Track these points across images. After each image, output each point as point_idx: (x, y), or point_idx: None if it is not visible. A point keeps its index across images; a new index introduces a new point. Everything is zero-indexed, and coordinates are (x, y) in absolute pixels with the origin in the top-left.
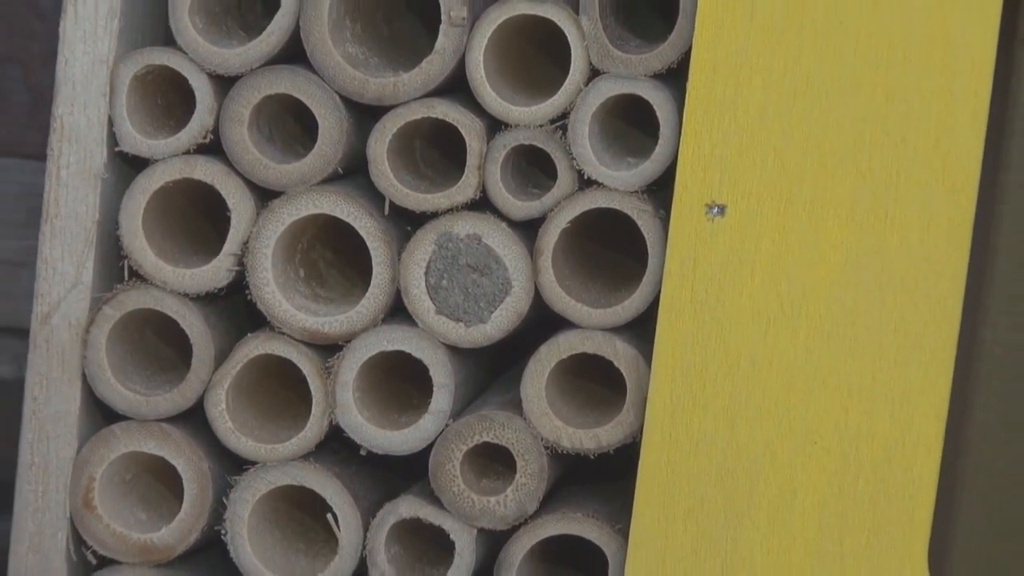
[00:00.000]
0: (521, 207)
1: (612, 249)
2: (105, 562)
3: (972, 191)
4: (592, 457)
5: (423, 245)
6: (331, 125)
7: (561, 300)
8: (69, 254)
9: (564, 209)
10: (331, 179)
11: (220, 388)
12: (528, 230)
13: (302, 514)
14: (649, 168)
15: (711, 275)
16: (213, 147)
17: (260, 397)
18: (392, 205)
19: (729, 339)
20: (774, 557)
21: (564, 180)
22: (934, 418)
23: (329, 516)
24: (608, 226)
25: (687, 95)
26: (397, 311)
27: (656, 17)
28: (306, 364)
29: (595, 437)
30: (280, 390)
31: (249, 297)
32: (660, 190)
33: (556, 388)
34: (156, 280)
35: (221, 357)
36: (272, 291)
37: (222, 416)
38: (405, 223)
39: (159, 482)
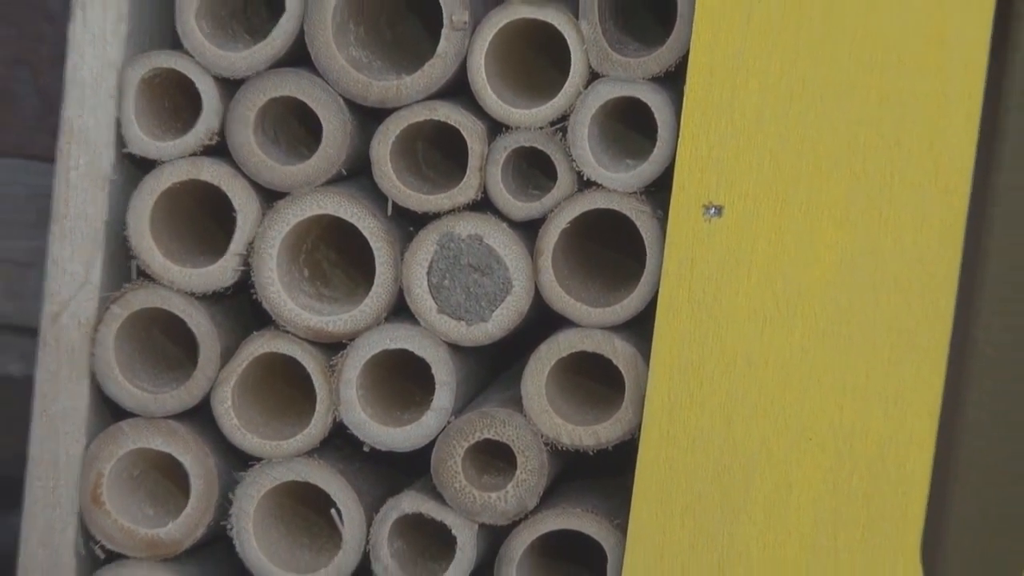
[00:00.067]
0: (522, 208)
1: (611, 249)
2: (113, 556)
3: (964, 193)
4: (591, 453)
5: (425, 245)
6: (335, 127)
7: (561, 299)
8: (78, 254)
9: (564, 210)
10: (335, 180)
11: (226, 386)
12: (528, 230)
13: (306, 509)
14: (647, 170)
15: (708, 275)
16: (219, 149)
17: (265, 394)
18: (395, 206)
19: (726, 338)
20: (770, 552)
21: (564, 181)
22: (927, 416)
23: (333, 511)
24: (607, 226)
25: (685, 98)
26: (400, 310)
27: (654, 21)
28: (310, 362)
29: (594, 434)
30: (285, 388)
31: (254, 296)
32: (658, 191)
33: (556, 386)
34: (163, 280)
35: (227, 355)
36: (277, 290)
37: (228, 413)
38: (408, 224)
39: (166, 478)
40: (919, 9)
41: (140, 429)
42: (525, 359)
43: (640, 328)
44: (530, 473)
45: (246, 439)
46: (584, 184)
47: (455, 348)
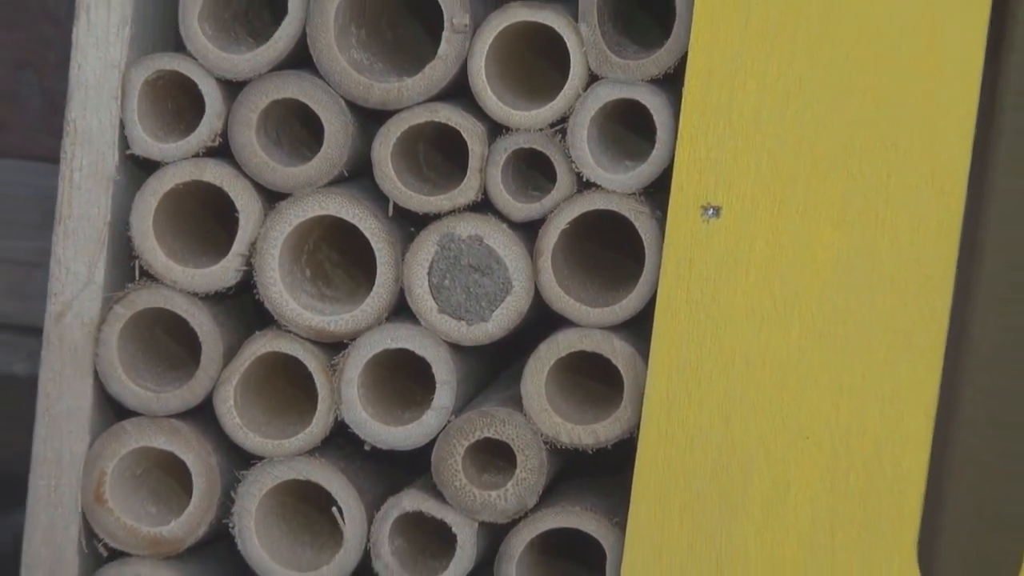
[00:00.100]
0: (521, 209)
1: (610, 250)
2: (116, 555)
3: (960, 194)
4: (590, 452)
5: (426, 246)
6: (337, 129)
7: (560, 299)
8: (82, 254)
9: (563, 211)
10: (337, 181)
11: (228, 385)
12: (528, 231)
13: (308, 508)
14: (646, 171)
15: (706, 275)
16: (222, 150)
17: (267, 394)
18: (396, 207)
19: (724, 337)
20: (768, 550)
21: (563, 182)
22: (923, 414)
23: (334, 510)
24: (606, 227)
25: (683, 100)
26: (401, 310)
27: (653, 24)
28: (312, 361)
29: (593, 433)
30: (287, 387)
31: (257, 296)
32: (657, 192)
33: (555, 385)
34: (166, 280)
35: (229, 355)
36: (279, 290)
37: (230, 412)
38: (408, 224)
39: (169, 477)
40: (916, 12)
41: (143, 428)
42: (525, 359)
43: (639, 328)
44: (530, 472)
45: (248, 438)
46: (583, 185)
47: (455, 348)
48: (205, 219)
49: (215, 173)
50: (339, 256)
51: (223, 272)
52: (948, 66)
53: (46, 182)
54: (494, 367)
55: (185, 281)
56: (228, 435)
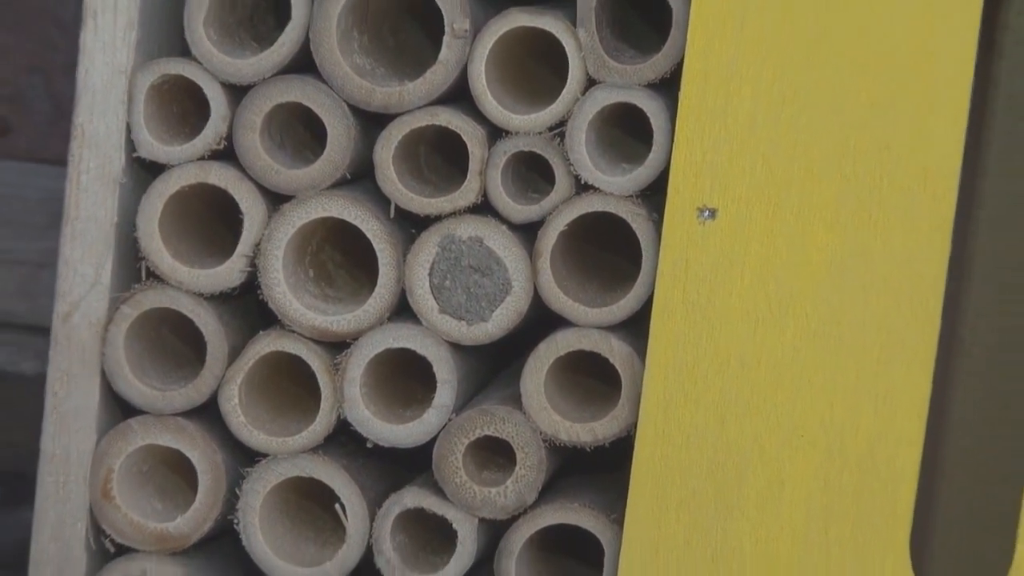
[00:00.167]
0: (521, 211)
1: (608, 251)
2: (123, 550)
3: (952, 196)
4: (588, 450)
5: (427, 247)
6: (339, 132)
7: (559, 300)
8: (89, 256)
9: (562, 213)
10: (339, 184)
11: (233, 384)
12: (528, 233)
13: (311, 504)
14: (643, 174)
15: (702, 276)
16: (227, 153)
17: (271, 392)
18: (397, 209)
19: (719, 338)
20: (762, 546)
21: (562, 185)
22: (915, 414)
23: (337, 506)
24: (604, 229)
25: (679, 104)
26: (402, 310)
27: (650, 30)
28: (315, 361)
29: (591, 431)
30: (290, 386)
31: (261, 297)
32: (654, 195)
33: (554, 384)
34: (172, 280)
35: (234, 354)
36: (283, 291)
37: (235, 410)
38: (410, 226)
39: (175, 473)
40: (908, 18)
41: (149, 426)
42: (524, 358)
43: (636, 328)
44: (529, 469)
45: (253, 436)
46: (582, 188)
47: (456, 347)
48: (210, 221)
49: (220, 176)
50: (342, 257)
51: (228, 273)
52: (940, 71)
53: (54, 184)
54: (494, 366)
55: (191, 282)
56: (233, 433)
